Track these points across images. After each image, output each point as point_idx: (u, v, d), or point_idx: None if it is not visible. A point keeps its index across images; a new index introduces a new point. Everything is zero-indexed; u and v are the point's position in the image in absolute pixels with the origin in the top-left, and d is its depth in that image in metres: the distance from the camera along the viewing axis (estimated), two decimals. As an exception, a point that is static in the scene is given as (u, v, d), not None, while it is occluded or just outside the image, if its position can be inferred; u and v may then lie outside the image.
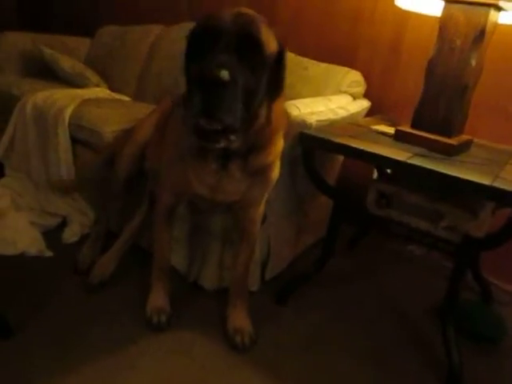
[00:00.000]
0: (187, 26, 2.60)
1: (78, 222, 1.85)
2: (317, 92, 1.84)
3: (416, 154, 1.30)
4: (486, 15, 1.27)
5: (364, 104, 1.87)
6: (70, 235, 1.80)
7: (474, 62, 1.32)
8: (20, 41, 2.59)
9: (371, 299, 1.71)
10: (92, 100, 2.09)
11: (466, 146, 1.45)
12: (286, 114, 1.37)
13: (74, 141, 1.89)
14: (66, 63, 2.41)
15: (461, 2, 1.29)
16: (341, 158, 1.92)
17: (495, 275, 1.87)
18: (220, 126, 0.95)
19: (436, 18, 1.39)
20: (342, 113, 1.65)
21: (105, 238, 1.69)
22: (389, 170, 1.58)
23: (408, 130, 1.44)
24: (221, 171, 1.20)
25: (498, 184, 1.12)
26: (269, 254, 1.66)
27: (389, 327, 1.56)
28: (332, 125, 1.54)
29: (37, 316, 1.38)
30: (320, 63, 1.96)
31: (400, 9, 1.63)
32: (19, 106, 2.06)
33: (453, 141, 1.36)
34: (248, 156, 1.19)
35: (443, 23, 1.35)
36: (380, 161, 1.30)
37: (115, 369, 1.23)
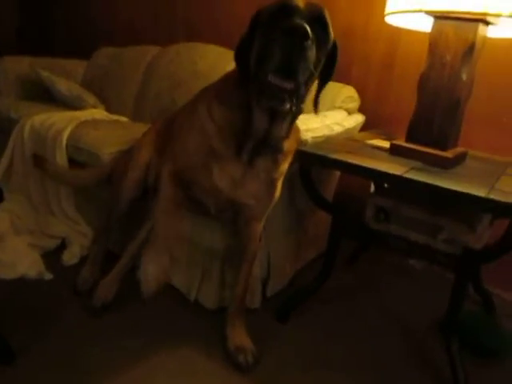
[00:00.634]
0: (184, 46, 2.63)
1: (78, 243, 1.85)
2: (311, 108, 1.85)
3: (412, 168, 1.31)
4: (475, 30, 1.30)
5: (359, 119, 1.89)
6: (70, 257, 1.80)
7: (464, 77, 1.34)
8: (18, 65, 2.63)
9: (374, 314, 1.71)
10: (89, 122, 2.10)
11: (461, 159, 1.46)
12: (299, 132, 1.40)
13: (72, 162, 1.90)
14: (63, 85, 2.43)
15: (450, 18, 1.31)
16: (338, 172, 1.93)
17: (497, 285, 1.87)
18: (292, 85, 0.99)
19: (427, 33, 1.41)
20: (338, 128, 1.67)
21: (104, 258, 1.68)
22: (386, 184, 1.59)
23: (403, 144, 1.45)
24: (247, 167, 1.23)
25: (493, 195, 1.13)
26: (269, 270, 1.66)
27: (392, 343, 1.55)
28: (328, 141, 1.56)
29: (39, 340, 1.37)
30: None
31: (392, 25, 1.66)
32: (17, 128, 2.08)
33: (448, 154, 1.38)
34: (277, 155, 1.24)
35: (433, 39, 1.37)
36: (377, 176, 1.31)
37: (118, 392, 1.22)
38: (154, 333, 1.47)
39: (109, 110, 2.52)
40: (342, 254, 1.73)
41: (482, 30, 1.32)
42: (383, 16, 1.51)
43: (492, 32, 1.42)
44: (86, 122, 2.08)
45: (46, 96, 2.51)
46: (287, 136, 1.24)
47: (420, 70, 1.42)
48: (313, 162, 1.43)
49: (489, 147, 1.76)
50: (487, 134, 1.82)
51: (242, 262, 1.42)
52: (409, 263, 2.07)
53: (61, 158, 1.88)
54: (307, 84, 1.06)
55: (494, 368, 1.48)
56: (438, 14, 1.33)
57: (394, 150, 1.45)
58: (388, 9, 1.42)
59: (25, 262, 1.70)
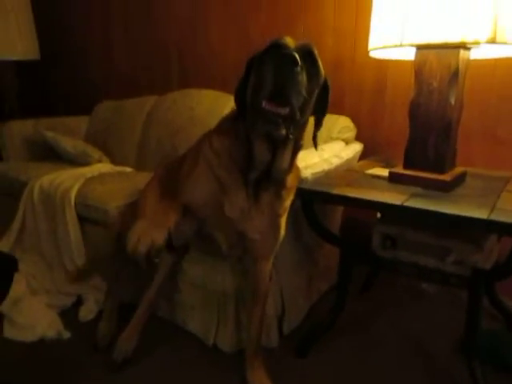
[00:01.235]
0: (179, 94, 2.69)
1: (94, 298, 1.86)
2: (309, 141, 1.89)
3: (412, 195, 1.33)
4: (457, 56, 1.33)
5: (357, 148, 1.92)
6: (87, 313, 1.82)
7: (453, 100, 1.37)
8: (23, 128, 2.71)
9: (393, 341, 1.69)
10: (95, 177, 2.16)
11: (460, 179, 1.48)
12: (299, 170, 1.43)
13: (82, 219, 1.94)
14: (68, 143, 2.50)
15: (431, 47, 1.36)
16: (341, 203, 1.95)
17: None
18: (287, 111, 1.03)
19: (412, 61, 1.45)
20: (336, 161, 1.70)
21: (118, 310, 1.69)
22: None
23: (401, 171, 1.47)
24: (252, 200, 1.26)
25: (494, 216, 1.14)
26: (284, 307, 1.66)
27: (416, 371, 1.53)
28: (328, 175, 1.58)
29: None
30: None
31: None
32: (27, 190, 2.14)
33: (446, 176, 1.40)
34: (280, 190, 1.28)
35: (418, 68, 1.41)
36: (377, 207, 1.33)
37: None
38: (176, 383, 1.47)
39: (113, 161, 2.59)
40: (354, 281, 1.73)
41: (463, 54, 1.36)
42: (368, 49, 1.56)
43: (475, 53, 1.46)
44: (93, 178, 2.13)
45: (52, 155, 2.58)
46: (290, 169, 1.26)
47: (410, 91, 1.46)
48: (314, 199, 1.46)
49: (486, 160, 1.81)
50: (483, 148, 1.86)
51: (253, 304, 1.43)
52: (422, 287, 2.06)
53: (70, 217, 1.93)
54: (302, 110, 1.09)
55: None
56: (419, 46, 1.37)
57: (393, 178, 1.48)
58: (370, 45, 1.47)
59: (43, 323, 1.72)
